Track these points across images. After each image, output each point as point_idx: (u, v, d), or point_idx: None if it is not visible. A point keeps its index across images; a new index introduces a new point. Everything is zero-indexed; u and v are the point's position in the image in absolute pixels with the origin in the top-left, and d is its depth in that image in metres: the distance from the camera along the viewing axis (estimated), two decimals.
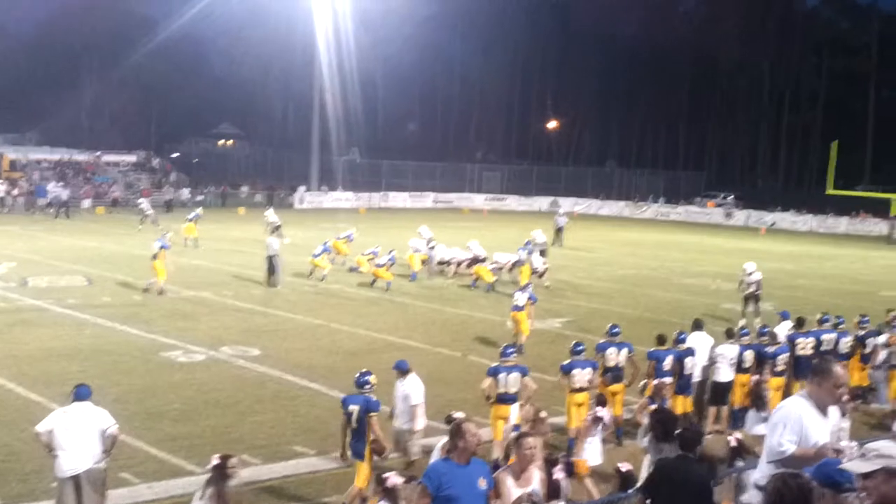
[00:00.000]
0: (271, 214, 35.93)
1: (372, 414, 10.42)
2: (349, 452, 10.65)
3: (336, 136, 75.56)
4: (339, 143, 77.83)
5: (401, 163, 75.53)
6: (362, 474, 10.37)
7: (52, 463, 9.79)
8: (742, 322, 21.08)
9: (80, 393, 9.89)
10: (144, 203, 45.40)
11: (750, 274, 24.17)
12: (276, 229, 35.50)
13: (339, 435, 10.87)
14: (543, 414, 10.28)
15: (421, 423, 11.84)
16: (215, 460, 8.81)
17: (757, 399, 12.70)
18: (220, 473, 8.71)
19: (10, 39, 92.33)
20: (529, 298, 19.63)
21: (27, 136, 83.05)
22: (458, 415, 9.15)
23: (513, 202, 74.00)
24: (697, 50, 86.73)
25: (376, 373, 16.85)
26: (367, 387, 10.76)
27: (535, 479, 8.06)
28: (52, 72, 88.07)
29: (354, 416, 10.47)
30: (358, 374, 11.04)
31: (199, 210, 39.60)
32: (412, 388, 11.90)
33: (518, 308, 19.46)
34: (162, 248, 25.15)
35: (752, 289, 24.11)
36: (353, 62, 74.86)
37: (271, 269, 27.18)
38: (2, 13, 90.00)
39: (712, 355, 14.73)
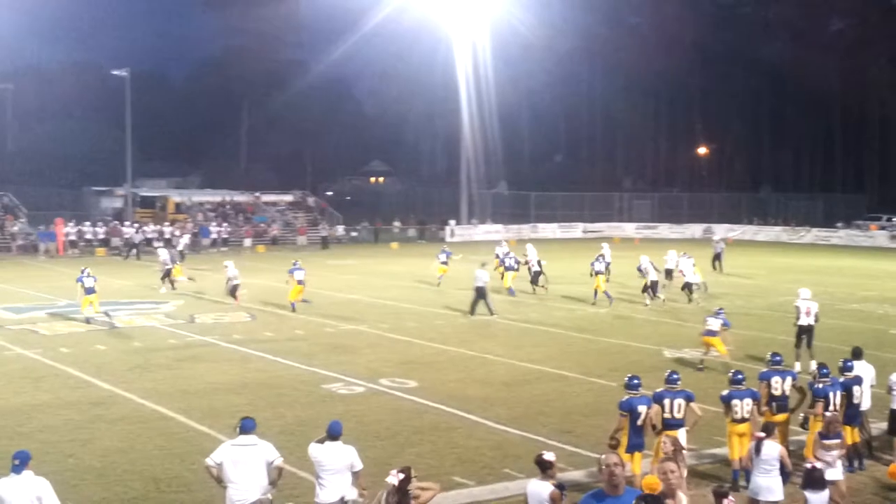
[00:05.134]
0: (231, 268, 31.06)
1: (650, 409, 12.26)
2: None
3: (484, 169, 76.29)
4: (487, 177, 78.57)
5: (548, 194, 75.50)
6: (638, 463, 11.97)
7: (221, 494, 10.13)
8: None
9: (246, 426, 10.20)
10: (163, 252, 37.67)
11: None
12: (234, 288, 30.99)
13: (614, 432, 12.08)
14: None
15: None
16: (398, 475, 8.94)
17: None
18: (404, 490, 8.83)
19: (171, 88, 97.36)
20: (724, 324, 20.01)
21: (189, 179, 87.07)
22: (548, 455, 9.11)
23: (665, 230, 72.80)
24: (848, 71, 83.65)
25: (530, 404, 17.02)
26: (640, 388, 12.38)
27: None
28: (210, 117, 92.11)
29: (644, 415, 11.98)
30: (629, 378, 12.49)
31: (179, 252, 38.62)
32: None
33: (712, 333, 19.87)
34: (78, 280, 26.97)
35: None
36: (493, 97, 75.51)
37: (479, 298, 27.80)
38: (163, 64, 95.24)
39: (889, 383, 14.08)
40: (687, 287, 31.28)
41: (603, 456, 7.79)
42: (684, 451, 11.38)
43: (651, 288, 30.66)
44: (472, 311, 27.87)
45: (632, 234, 70.55)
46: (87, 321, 26.36)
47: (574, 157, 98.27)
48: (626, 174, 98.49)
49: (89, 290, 26.87)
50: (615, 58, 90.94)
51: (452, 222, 67.92)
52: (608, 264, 34.84)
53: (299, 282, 29.27)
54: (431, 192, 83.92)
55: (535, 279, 33.34)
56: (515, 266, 33.64)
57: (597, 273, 31.24)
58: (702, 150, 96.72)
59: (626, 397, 12.17)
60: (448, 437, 15.02)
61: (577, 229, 71.43)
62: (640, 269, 31.42)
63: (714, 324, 19.94)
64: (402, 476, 8.93)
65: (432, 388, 18.33)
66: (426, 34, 73.70)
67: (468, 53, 67.88)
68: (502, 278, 33.34)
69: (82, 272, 27.54)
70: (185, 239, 51.85)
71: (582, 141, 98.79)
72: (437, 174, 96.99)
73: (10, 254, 51.80)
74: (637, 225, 74.08)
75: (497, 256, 36.29)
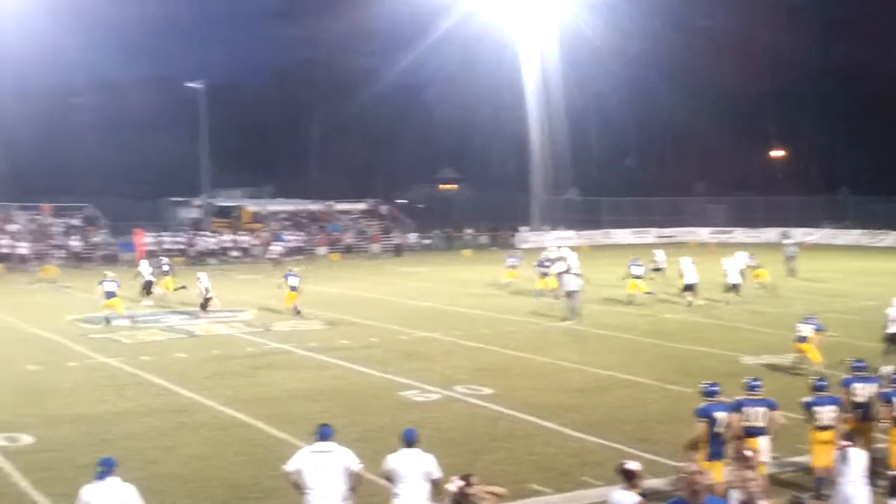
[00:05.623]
0: (204, 280, 31.05)
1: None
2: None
3: (553, 175, 76.10)
4: (557, 182, 78.35)
5: (619, 199, 75.02)
6: (719, 471, 11.37)
7: (300, 500, 10.20)
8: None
9: (324, 432, 10.29)
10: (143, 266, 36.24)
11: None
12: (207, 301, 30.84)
13: (693, 442, 11.77)
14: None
15: None
16: (458, 482, 8.96)
17: None
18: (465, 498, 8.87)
19: (243, 99, 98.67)
20: (816, 328, 19.79)
21: (263, 188, 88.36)
22: (633, 465, 9.05)
23: (740, 234, 71.78)
24: None
25: (607, 410, 16.94)
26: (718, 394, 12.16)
27: None
28: (282, 127, 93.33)
29: (722, 423, 11.68)
30: (706, 385, 12.28)
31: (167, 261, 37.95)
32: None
33: (802, 339, 19.67)
34: (99, 284, 29.04)
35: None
36: (561, 102, 75.26)
37: (571, 301, 28.32)
38: (236, 75, 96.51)
39: None
40: (734, 288, 31.46)
41: (683, 464, 7.76)
42: (753, 459, 11.17)
43: (687, 289, 31.27)
44: (575, 316, 28.09)
45: (706, 239, 69.71)
46: (122, 322, 27.84)
47: (644, 161, 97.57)
48: (699, 178, 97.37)
49: (109, 294, 27.77)
50: (684, 60, 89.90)
51: (524, 228, 67.86)
52: (660, 269, 36.90)
53: (293, 288, 29.96)
54: (501, 199, 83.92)
55: None
56: (546, 271, 34.02)
57: (634, 277, 32.31)
58: (776, 153, 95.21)
59: (704, 404, 12.00)
60: (524, 444, 15.02)
61: (649, 234, 70.79)
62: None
63: (805, 329, 19.67)
64: (462, 483, 8.97)
65: (507, 394, 18.34)
66: (493, 39, 73.63)
67: (535, 58, 67.81)
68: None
69: (105, 276, 28.44)
70: (279, 248, 52.34)
71: (652, 145, 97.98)
72: (507, 180, 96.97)
73: (93, 264, 53.05)
74: (711, 230, 73.18)
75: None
